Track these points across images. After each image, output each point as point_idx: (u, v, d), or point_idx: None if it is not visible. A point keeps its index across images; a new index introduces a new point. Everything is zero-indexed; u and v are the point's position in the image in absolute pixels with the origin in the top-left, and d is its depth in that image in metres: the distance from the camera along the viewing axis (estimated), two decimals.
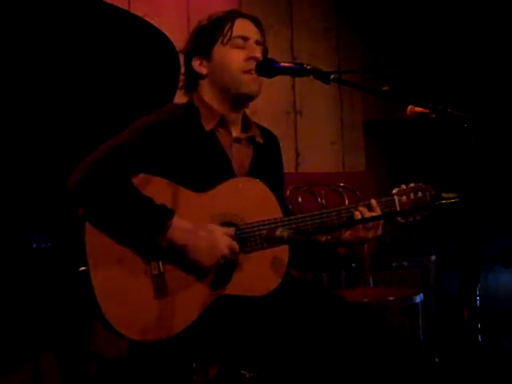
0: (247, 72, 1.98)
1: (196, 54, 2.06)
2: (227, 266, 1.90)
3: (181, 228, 1.82)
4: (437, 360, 3.52)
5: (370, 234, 1.99)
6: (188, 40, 2.10)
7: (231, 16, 2.04)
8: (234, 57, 1.99)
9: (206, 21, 2.07)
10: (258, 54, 2.00)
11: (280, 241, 1.80)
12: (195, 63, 2.06)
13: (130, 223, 1.80)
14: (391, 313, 3.34)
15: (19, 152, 2.40)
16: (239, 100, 2.04)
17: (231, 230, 1.90)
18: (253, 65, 1.96)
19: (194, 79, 2.08)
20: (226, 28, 2.01)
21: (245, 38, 2.01)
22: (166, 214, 1.81)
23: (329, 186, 3.48)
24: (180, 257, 1.84)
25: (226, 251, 1.85)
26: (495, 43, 4.30)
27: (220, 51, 2.02)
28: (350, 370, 1.83)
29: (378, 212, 2.00)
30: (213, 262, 1.84)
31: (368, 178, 4.29)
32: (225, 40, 2.01)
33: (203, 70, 2.05)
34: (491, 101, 4.22)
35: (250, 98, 2.04)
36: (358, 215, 1.98)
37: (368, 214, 1.98)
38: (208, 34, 2.04)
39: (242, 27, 2.03)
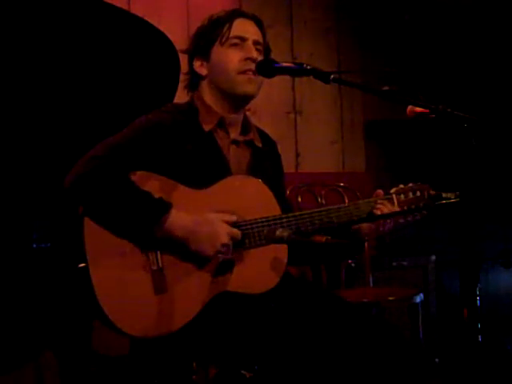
0: (243, 73, 1.98)
1: (197, 55, 2.06)
2: (227, 263, 1.90)
3: (179, 220, 1.82)
4: (437, 360, 3.52)
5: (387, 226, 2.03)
6: (190, 41, 2.10)
7: (231, 16, 2.04)
8: (231, 57, 1.99)
9: (207, 21, 2.07)
10: (255, 55, 1.99)
11: (280, 241, 1.81)
12: (196, 64, 2.06)
13: (129, 217, 1.80)
14: (391, 313, 3.35)
15: (19, 151, 2.40)
16: (236, 100, 2.03)
17: (231, 217, 1.89)
18: (249, 65, 1.96)
19: (195, 80, 2.09)
20: (225, 28, 2.01)
21: (242, 38, 2.00)
22: (164, 206, 1.81)
23: (329, 186, 3.49)
24: (180, 250, 1.84)
25: (226, 239, 1.85)
26: (495, 43, 4.30)
27: (218, 51, 2.02)
28: (348, 370, 1.83)
29: (396, 207, 2.04)
30: (214, 251, 1.84)
31: (368, 178, 4.30)
32: (223, 40, 2.00)
33: (203, 71, 2.05)
34: (491, 101, 4.22)
35: (246, 98, 2.04)
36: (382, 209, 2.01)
37: (386, 209, 2.01)
38: (207, 35, 2.04)
39: (241, 27, 2.02)
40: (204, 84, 2.06)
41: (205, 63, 2.05)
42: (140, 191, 1.82)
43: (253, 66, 1.95)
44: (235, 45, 2.00)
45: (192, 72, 2.09)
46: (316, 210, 2.00)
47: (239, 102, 2.05)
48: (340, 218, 2.00)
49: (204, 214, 1.87)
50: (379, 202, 2.03)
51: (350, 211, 2.02)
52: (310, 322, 1.90)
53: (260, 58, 2.00)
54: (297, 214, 1.97)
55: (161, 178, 1.88)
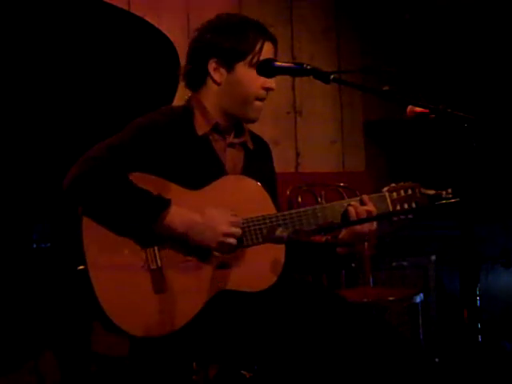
0: (259, 99, 2.00)
1: (217, 56, 1.98)
2: (226, 262, 1.90)
3: (179, 216, 1.83)
4: (437, 360, 3.52)
5: (365, 228, 1.98)
6: (205, 32, 2.01)
7: (263, 36, 1.99)
8: (255, 81, 1.97)
9: (232, 21, 2.00)
10: (274, 85, 2.00)
11: (279, 241, 1.80)
12: (211, 65, 1.99)
13: (129, 215, 1.81)
14: (391, 313, 3.34)
15: (19, 152, 2.41)
16: (239, 120, 2.06)
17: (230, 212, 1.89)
18: (265, 94, 2.00)
19: (202, 78, 2.03)
20: (257, 48, 1.96)
21: None
22: (164, 203, 1.82)
23: (329, 185, 3.48)
24: (179, 248, 1.85)
25: (227, 227, 1.85)
26: (495, 43, 4.30)
27: (244, 70, 1.97)
28: (349, 369, 1.83)
29: (371, 207, 1.99)
30: (217, 241, 1.85)
31: (368, 177, 4.30)
32: (253, 61, 1.95)
33: (218, 77, 1.99)
34: (491, 101, 4.22)
35: (248, 122, 2.07)
36: (351, 210, 1.97)
37: (361, 209, 1.98)
38: (236, 44, 1.96)
39: (269, 52, 1.99)
40: (213, 88, 2.01)
41: (223, 70, 1.98)
42: (139, 189, 1.84)
43: (266, 96, 2.00)
44: None
45: (202, 69, 2.01)
46: (310, 207, 1.99)
47: (241, 121, 2.07)
48: (335, 215, 1.99)
49: (203, 210, 1.87)
50: (352, 203, 1.99)
51: (343, 207, 2.00)
52: (311, 321, 1.90)
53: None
54: (293, 211, 1.97)
55: (156, 178, 1.89)
